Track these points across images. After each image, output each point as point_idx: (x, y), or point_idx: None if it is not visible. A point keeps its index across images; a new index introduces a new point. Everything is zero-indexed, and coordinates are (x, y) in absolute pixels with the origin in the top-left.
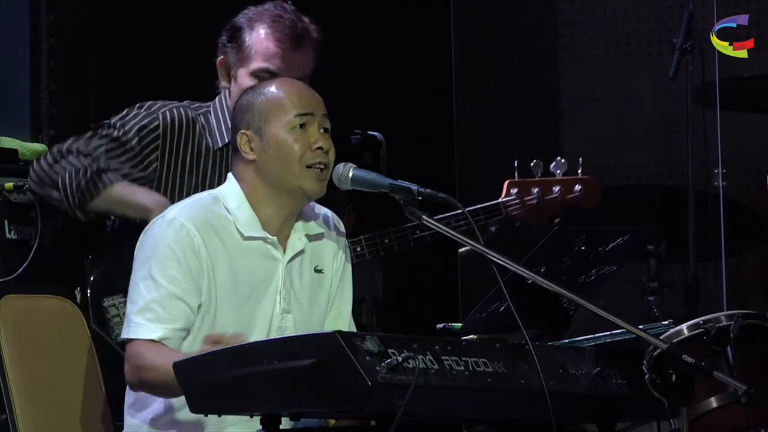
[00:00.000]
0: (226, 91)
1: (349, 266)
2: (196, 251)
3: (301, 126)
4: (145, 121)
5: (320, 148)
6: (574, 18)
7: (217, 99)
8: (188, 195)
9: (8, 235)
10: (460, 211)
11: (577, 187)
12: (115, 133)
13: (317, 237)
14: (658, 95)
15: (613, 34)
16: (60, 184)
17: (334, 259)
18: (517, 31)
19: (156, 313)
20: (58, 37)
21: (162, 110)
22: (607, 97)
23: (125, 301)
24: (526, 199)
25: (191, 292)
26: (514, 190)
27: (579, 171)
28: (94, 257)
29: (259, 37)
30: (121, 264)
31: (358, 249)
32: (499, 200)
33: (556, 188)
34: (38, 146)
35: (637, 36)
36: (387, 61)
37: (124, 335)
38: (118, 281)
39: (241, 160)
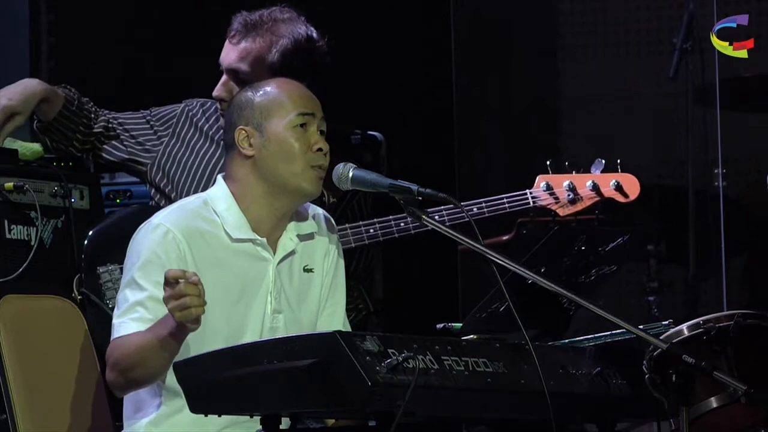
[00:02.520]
0: None
1: (342, 265)
2: (182, 257)
3: (302, 125)
4: (169, 107)
5: (320, 149)
6: (574, 18)
7: None
8: (191, 175)
9: (8, 235)
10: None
11: (612, 182)
12: (141, 113)
13: (308, 236)
14: (658, 95)
15: (613, 34)
16: None
17: (325, 258)
18: (517, 31)
19: (139, 313)
20: (58, 37)
21: (191, 100)
22: (607, 97)
23: (119, 269)
24: (556, 190)
25: None
26: (544, 183)
27: (618, 168)
28: (92, 229)
29: None
30: (116, 235)
31: (372, 231)
32: (527, 190)
33: (589, 182)
34: (38, 146)
35: (637, 36)
36: (387, 61)
37: (111, 339)
38: (113, 251)
39: (238, 156)
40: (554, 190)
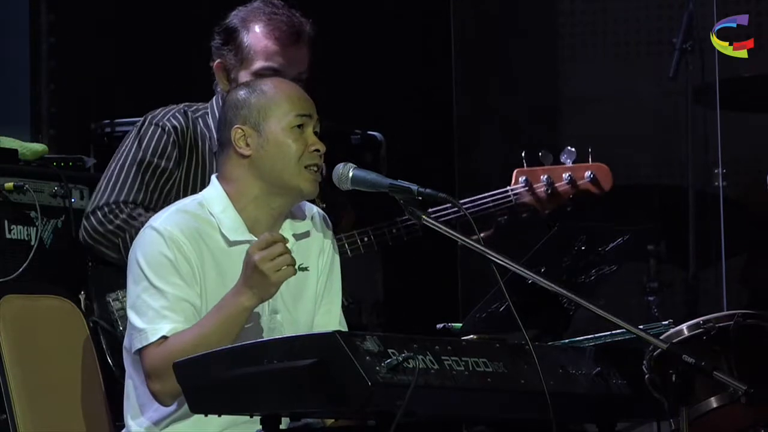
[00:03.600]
0: (223, 93)
1: (337, 263)
2: (187, 258)
3: (299, 126)
4: (156, 136)
5: (317, 150)
6: (574, 18)
7: (213, 101)
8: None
9: (8, 235)
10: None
11: (587, 173)
12: (143, 165)
13: (304, 235)
14: (658, 95)
15: (613, 34)
16: (121, 246)
17: (320, 256)
18: (517, 31)
19: (169, 318)
20: (58, 37)
21: (165, 118)
22: (607, 97)
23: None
24: (535, 186)
25: (192, 294)
26: (523, 178)
27: (589, 160)
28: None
29: (257, 37)
30: (122, 261)
31: (365, 239)
32: (508, 188)
33: (566, 175)
34: (38, 146)
35: (637, 36)
36: (387, 61)
37: (139, 345)
38: (120, 277)
39: (234, 155)
40: (533, 186)
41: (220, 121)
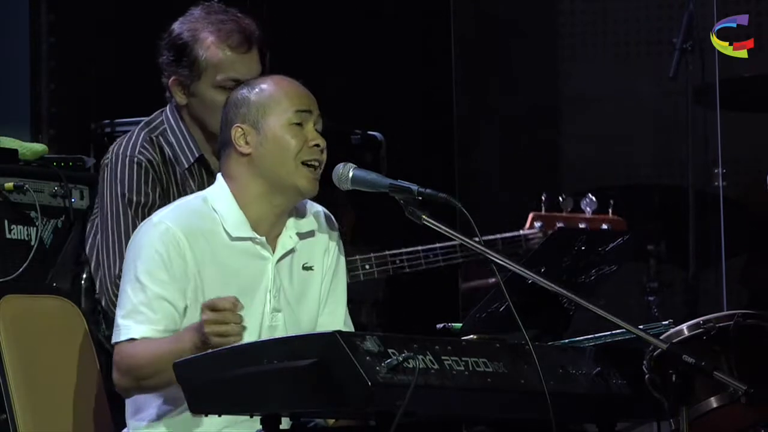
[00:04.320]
0: (177, 107)
1: (342, 263)
2: (182, 254)
3: (298, 123)
4: (135, 174)
5: (317, 145)
6: (574, 18)
7: (170, 116)
8: None
9: (8, 235)
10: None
11: (604, 227)
12: (132, 207)
13: (308, 234)
14: (658, 95)
15: (613, 34)
16: None
17: (325, 255)
18: (517, 31)
19: (144, 315)
20: (58, 37)
21: (135, 151)
22: (607, 97)
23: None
24: (549, 233)
25: (177, 294)
26: (538, 224)
27: (609, 210)
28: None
29: (212, 50)
30: None
31: (367, 267)
32: (521, 232)
33: (582, 225)
34: (38, 146)
35: (637, 36)
36: (387, 61)
37: (114, 340)
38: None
39: (235, 154)
40: (547, 232)
41: (222, 120)
